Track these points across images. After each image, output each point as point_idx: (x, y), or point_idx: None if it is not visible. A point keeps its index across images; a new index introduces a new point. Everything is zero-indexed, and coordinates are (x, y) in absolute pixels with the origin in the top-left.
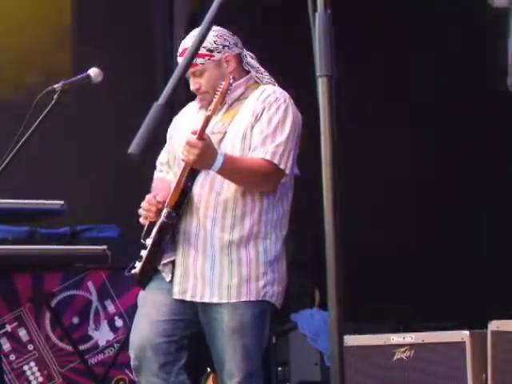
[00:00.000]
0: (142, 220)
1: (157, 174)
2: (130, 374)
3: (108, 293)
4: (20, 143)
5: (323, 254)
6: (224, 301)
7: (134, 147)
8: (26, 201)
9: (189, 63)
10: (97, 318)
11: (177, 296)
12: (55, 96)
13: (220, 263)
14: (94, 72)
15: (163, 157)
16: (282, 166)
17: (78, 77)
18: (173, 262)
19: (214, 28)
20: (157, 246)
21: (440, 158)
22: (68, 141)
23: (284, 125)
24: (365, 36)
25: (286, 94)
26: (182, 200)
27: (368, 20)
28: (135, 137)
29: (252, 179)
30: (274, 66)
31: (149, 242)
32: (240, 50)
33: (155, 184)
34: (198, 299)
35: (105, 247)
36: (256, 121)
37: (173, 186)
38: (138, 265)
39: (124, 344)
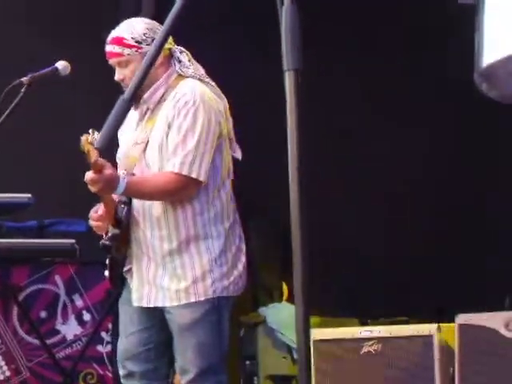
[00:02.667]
0: (97, 232)
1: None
2: (97, 368)
3: (76, 287)
4: None
5: (291, 248)
6: (175, 303)
7: (99, 142)
8: None
9: (155, 56)
10: (64, 312)
11: (135, 303)
12: (23, 89)
13: (167, 270)
14: (61, 65)
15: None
16: (193, 175)
17: (46, 70)
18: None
19: (147, 21)
20: (114, 262)
21: (407, 157)
22: (36, 134)
23: (194, 130)
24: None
25: (198, 92)
26: (119, 217)
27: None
28: (101, 131)
29: (161, 196)
30: (236, 59)
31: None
32: (170, 45)
33: None
34: (152, 304)
35: (73, 241)
36: (169, 129)
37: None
38: (106, 272)
39: (92, 338)
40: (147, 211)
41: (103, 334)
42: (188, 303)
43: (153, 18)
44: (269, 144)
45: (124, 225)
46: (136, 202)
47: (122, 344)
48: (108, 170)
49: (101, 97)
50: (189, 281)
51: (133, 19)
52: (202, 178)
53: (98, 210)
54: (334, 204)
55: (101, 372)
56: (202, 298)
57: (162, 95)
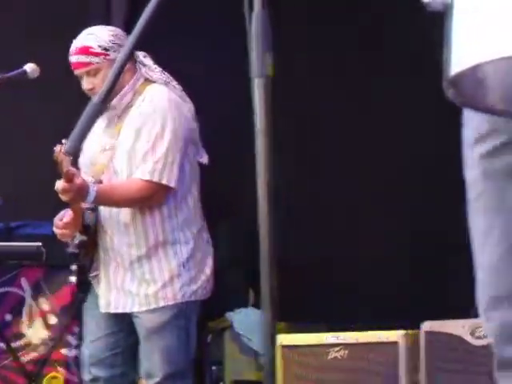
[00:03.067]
0: (60, 239)
1: None
2: (63, 372)
3: (42, 290)
4: None
5: (258, 254)
6: (143, 308)
7: (69, 146)
8: None
9: (126, 60)
10: (30, 315)
11: (103, 309)
12: None
13: (135, 275)
14: (30, 67)
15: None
16: (164, 182)
17: (14, 72)
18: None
19: (110, 28)
20: (81, 267)
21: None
22: (2, 135)
23: (163, 136)
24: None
25: (166, 97)
26: (87, 223)
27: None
28: (70, 135)
29: (130, 203)
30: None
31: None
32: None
33: None
34: (120, 310)
35: (39, 244)
36: (137, 136)
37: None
38: (72, 278)
39: (58, 342)
40: (115, 218)
41: (69, 338)
42: (157, 307)
43: (123, 22)
44: (234, 147)
45: (91, 231)
46: (103, 209)
47: (88, 349)
48: (78, 180)
49: (66, 100)
50: (158, 285)
51: (93, 28)
52: (172, 184)
53: (63, 217)
54: (305, 211)
55: (66, 376)
56: (171, 303)
57: (130, 101)
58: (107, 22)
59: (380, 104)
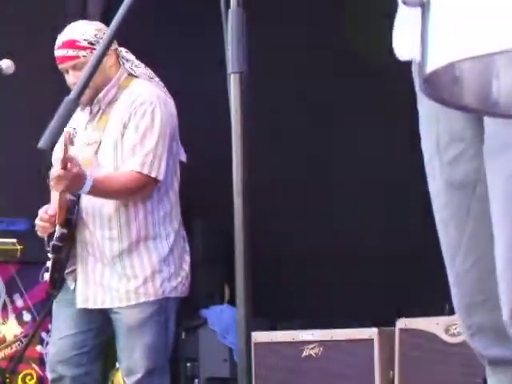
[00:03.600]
0: (39, 234)
1: None
2: (37, 369)
3: (16, 287)
4: None
5: (233, 250)
6: (124, 304)
7: (44, 141)
8: None
9: (102, 56)
10: (4, 311)
11: (80, 305)
12: None
13: (116, 270)
14: (5, 63)
15: (57, 155)
16: (153, 175)
17: None
18: (75, 271)
19: (92, 22)
20: (57, 263)
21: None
22: None
23: (152, 129)
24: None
25: (154, 93)
26: (70, 217)
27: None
28: (45, 131)
29: (124, 194)
30: (184, 61)
31: (50, 255)
32: (116, 45)
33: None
34: (99, 306)
35: (14, 240)
36: (124, 129)
37: (56, 203)
38: (47, 275)
39: (32, 339)
40: (98, 211)
41: (43, 335)
42: (137, 303)
43: (99, 20)
44: (211, 144)
45: (72, 225)
46: (86, 202)
47: (55, 347)
48: (75, 168)
49: (41, 97)
50: (139, 281)
51: (78, 22)
52: (160, 178)
53: (48, 210)
54: (281, 209)
55: (40, 373)
56: (152, 298)
57: (115, 95)
58: (83, 18)
59: (356, 101)
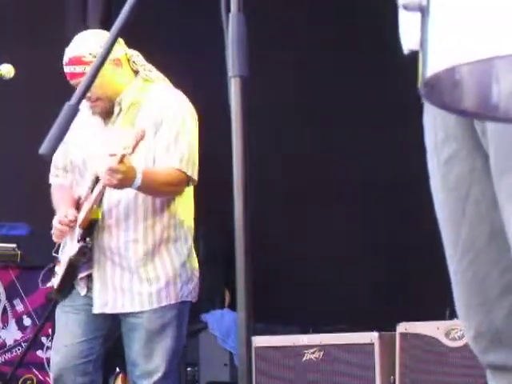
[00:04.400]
0: (55, 239)
1: (53, 180)
2: (37, 374)
3: (17, 291)
4: None
5: (234, 255)
6: (146, 308)
7: (45, 148)
8: None
9: (103, 61)
10: (4, 316)
11: (97, 310)
12: None
13: (137, 273)
14: (5, 68)
15: (59, 161)
16: (189, 173)
17: None
18: (89, 276)
19: (95, 32)
20: (73, 267)
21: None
22: None
23: (184, 130)
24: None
25: (178, 93)
26: (95, 221)
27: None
28: (46, 137)
29: (167, 190)
30: (183, 66)
31: (64, 258)
32: (123, 50)
33: (55, 193)
34: (118, 310)
35: (14, 245)
36: (157, 130)
37: (86, 204)
38: (55, 281)
39: (32, 343)
40: (123, 212)
41: (43, 340)
42: (158, 308)
43: (99, 23)
44: (213, 148)
45: (93, 229)
46: (109, 204)
47: (59, 354)
48: (128, 162)
49: (43, 100)
50: (161, 284)
51: (82, 34)
52: (195, 177)
53: (68, 215)
54: (282, 212)
55: (40, 377)
56: (173, 302)
57: (134, 97)
58: (83, 23)
59: (356, 101)
